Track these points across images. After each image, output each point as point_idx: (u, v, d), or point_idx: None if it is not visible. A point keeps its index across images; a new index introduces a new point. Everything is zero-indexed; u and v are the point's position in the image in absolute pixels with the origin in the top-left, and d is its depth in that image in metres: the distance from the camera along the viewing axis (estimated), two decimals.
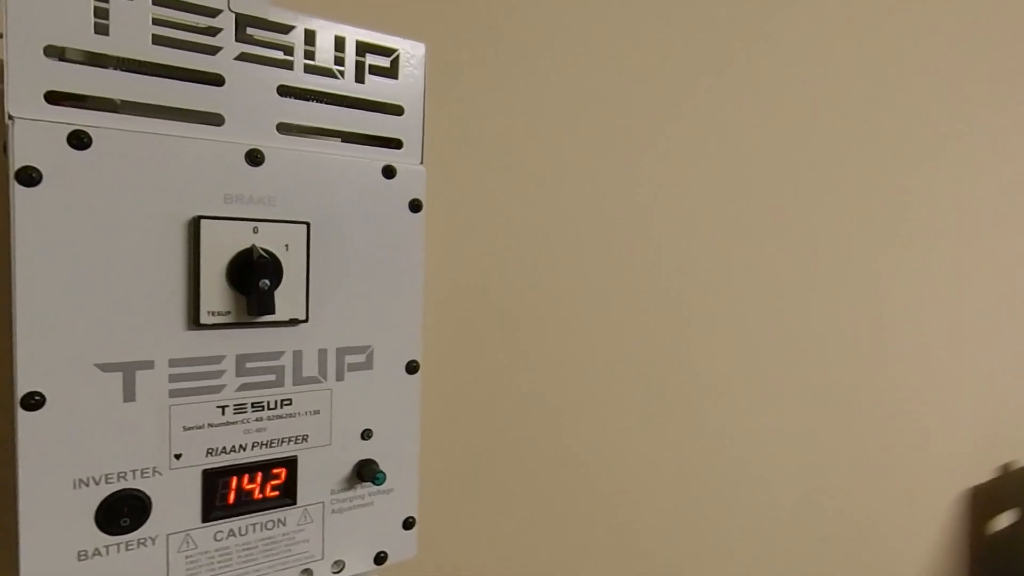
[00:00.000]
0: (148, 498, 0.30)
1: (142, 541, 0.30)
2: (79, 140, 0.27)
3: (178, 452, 0.31)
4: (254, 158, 0.32)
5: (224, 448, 0.32)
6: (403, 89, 0.36)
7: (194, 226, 0.30)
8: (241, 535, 0.33)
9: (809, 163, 0.68)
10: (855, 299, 0.75)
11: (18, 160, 0.26)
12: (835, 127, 0.70)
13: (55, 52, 0.28)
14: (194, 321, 0.30)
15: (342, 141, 0.35)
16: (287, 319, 0.33)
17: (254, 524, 0.33)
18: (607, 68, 0.53)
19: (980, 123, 0.87)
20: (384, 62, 0.36)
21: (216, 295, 0.31)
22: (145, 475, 0.30)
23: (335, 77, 0.34)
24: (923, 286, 0.83)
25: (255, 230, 0.32)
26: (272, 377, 0.33)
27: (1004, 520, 0.98)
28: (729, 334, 0.64)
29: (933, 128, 0.81)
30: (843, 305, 0.74)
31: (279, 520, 0.34)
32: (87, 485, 0.29)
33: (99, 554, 0.29)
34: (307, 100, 0.34)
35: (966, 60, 0.84)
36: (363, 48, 0.35)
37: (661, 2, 0.56)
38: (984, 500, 0.96)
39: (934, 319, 0.85)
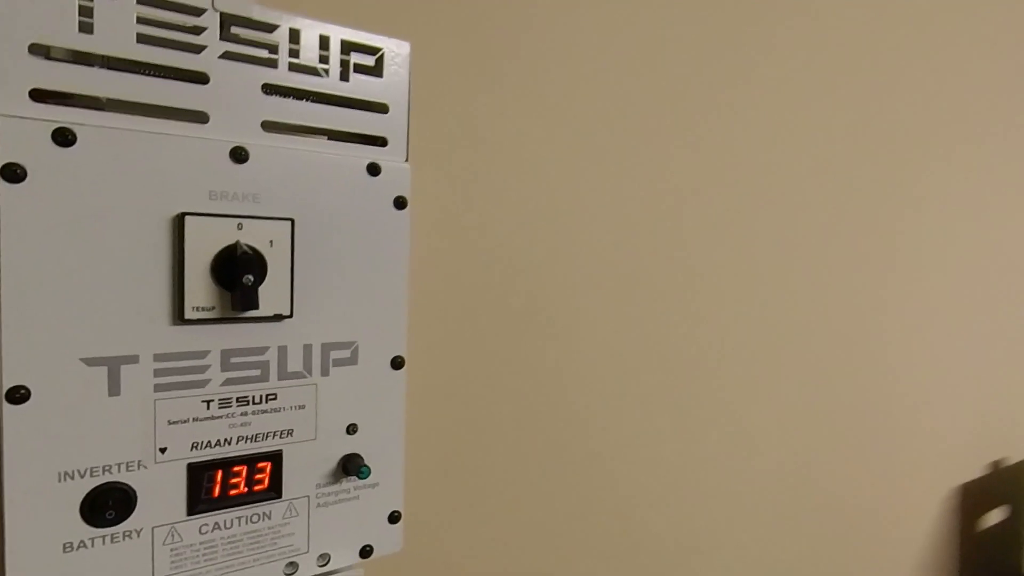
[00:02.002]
0: (133, 491, 0.30)
1: (127, 534, 0.30)
2: (64, 137, 0.28)
3: (163, 446, 0.31)
4: (239, 155, 0.32)
5: (209, 442, 0.32)
6: (388, 87, 0.37)
7: (179, 222, 0.30)
8: (226, 528, 0.33)
9: (809, 159, 0.69)
10: (850, 297, 0.76)
11: (2, 157, 0.27)
12: (838, 127, 0.71)
13: (40, 50, 0.28)
14: (179, 316, 0.31)
15: (327, 139, 0.36)
16: (271, 315, 0.33)
17: (239, 517, 0.34)
18: (598, 64, 0.54)
19: (981, 125, 0.88)
20: (369, 60, 0.36)
21: (201, 291, 0.31)
22: (130, 468, 0.30)
23: (320, 75, 0.35)
24: (917, 285, 0.83)
25: (239, 226, 0.32)
26: (257, 372, 0.33)
27: (994, 517, 0.99)
28: (720, 328, 0.64)
29: (935, 129, 0.82)
30: (837, 303, 0.75)
31: (264, 514, 0.34)
32: (72, 478, 0.29)
33: (84, 546, 0.29)
34: (292, 98, 0.34)
35: (975, 65, 0.84)
36: (348, 47, 0.35)
37: None
38: (975, 497, 0.97)
39: (927, 317, 0.86)
